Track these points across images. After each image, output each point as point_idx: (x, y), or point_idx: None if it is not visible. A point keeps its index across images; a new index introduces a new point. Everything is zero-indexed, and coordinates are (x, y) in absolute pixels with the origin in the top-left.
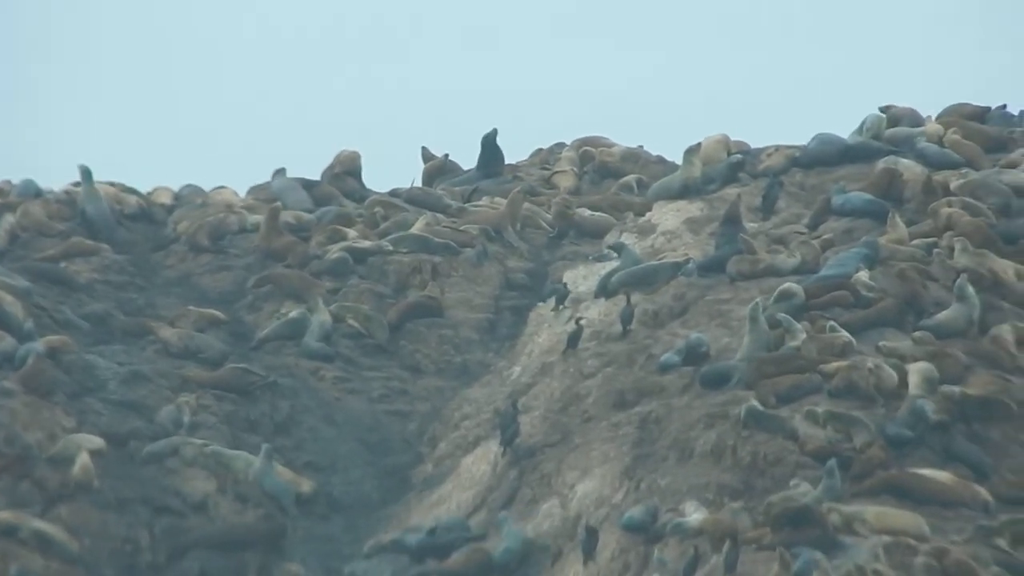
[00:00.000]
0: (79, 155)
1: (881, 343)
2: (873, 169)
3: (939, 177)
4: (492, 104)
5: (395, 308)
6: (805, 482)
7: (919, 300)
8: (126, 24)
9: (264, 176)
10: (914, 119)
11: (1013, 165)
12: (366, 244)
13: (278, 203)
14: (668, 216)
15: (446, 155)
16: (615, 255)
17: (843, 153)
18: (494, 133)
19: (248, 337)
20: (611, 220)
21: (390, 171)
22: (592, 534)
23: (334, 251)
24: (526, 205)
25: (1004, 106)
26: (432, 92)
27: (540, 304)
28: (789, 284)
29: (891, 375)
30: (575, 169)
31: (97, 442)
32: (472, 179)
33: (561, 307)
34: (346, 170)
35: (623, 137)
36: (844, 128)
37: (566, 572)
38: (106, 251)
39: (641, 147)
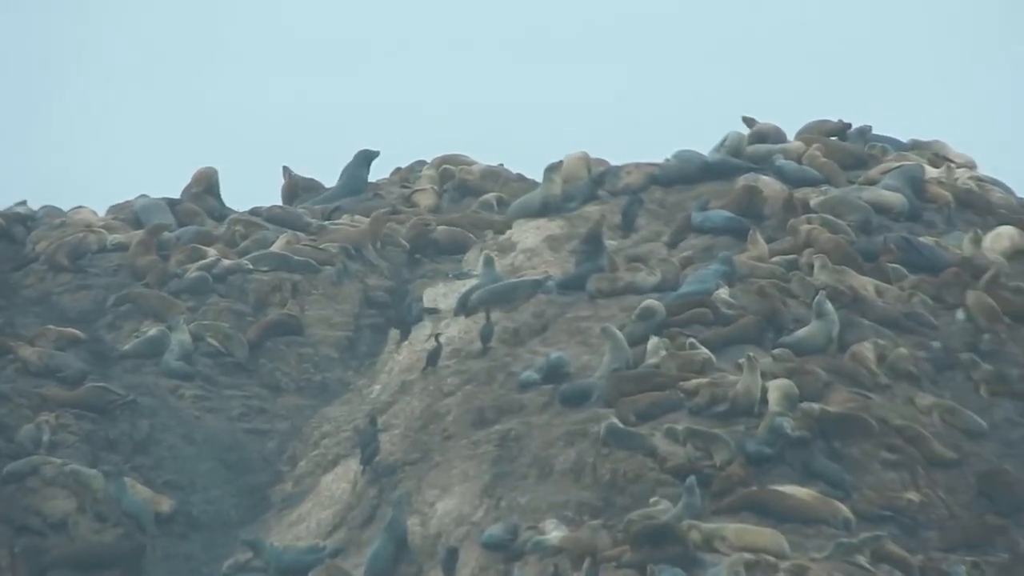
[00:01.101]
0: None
1: (741, 360)
2: (733, 186)
3: (799, 194)
4: (353, 120)
5: (255, 326)
6: (665, 500)
7: (779, 317)
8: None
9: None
10: (778, 136)
11: (872, 182)
12: (226, 263)
13: (161, 222)
14: (528, 234)
15: (284, 167)
16: (475, 273)
17: (703, 170)
18: (375, 154)
19: (108, 356)
20: (467, 234)
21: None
22: (452, 553)
23: (193, 270)
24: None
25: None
26: (292, 110)
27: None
28: (649, 302)
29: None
30: (435, 187)
31: None
32: (335, 193)
33: (406, 340)
34: (204, 188)
35: (484, 155)
36: (709, 145)
37: None
38: None
39: (501, 165)
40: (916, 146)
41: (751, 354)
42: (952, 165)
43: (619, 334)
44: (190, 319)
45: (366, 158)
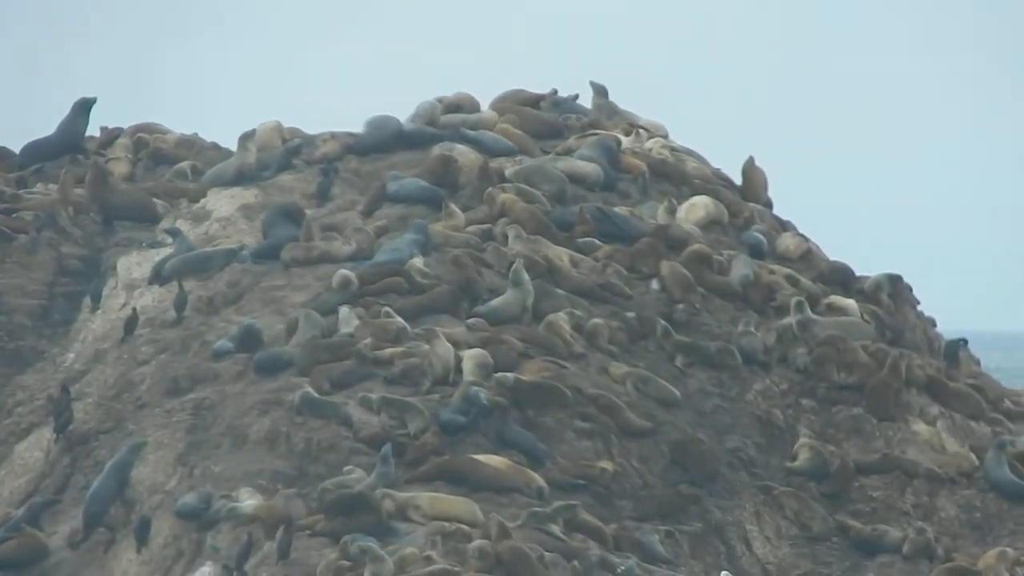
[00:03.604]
0: None
1: (435, 329)
2: (429, 155)
3: (494, 163)
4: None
5: None
6: (359, 469)
7: (473, 286)
8: None
9: None
10: (472, 105)
11: (568, 151)
12: None
13: None
14: (223, 203)
15: None
16: (170, 241)
17: (397, 139)
18: (93, 100)
19: None
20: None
21: None
22: (145, 521)
23: None
24: (79, 191)
25: (556, 91)
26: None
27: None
28: (343, 271)
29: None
30: (129, 156)
31: None
32: (50, 144)
33: (99, 308)
34: None
35: (178, 124)
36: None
37: (119, 559)
38: None
39: (196, 134)
40: (609, 114)
41: (435, 328)
42: (642, 132)
43: (314, 313)
44: None
45: (84, 106)
